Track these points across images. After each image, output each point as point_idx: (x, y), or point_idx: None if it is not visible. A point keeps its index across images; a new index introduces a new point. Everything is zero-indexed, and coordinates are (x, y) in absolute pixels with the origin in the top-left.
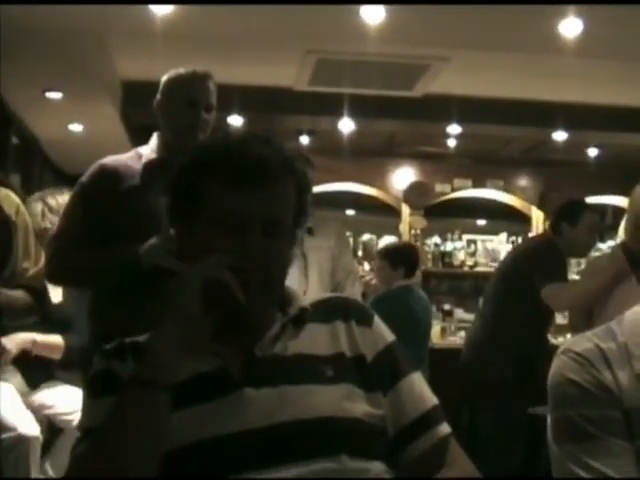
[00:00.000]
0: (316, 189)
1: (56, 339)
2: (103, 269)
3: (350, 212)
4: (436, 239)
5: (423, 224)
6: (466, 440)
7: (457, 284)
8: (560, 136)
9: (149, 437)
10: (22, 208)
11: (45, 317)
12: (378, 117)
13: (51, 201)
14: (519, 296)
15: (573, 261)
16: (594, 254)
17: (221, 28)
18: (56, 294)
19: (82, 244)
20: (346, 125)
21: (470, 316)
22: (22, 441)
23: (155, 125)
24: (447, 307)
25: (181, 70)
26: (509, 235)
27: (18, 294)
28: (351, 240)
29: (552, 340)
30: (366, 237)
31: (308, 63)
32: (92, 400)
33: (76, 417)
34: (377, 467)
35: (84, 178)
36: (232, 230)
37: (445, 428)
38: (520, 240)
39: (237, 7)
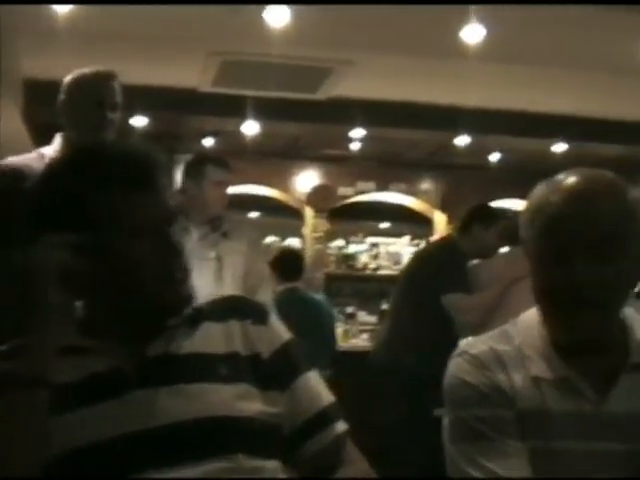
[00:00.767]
0: None
1: None
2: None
3: (254, 214)
4: (339, 242)
5: (326, 227)
6: (371, 441)
7: (360, 287)
8: (463, 140)
9: (24, 435)
10: None
11: None
12: (282, 119)
13: None
14: (425, 298)
15: None
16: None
17: (126, 28)
18: None
19: None
20: (250, 127)
21: (373, 318)
22: None
23: (58, 125)
24: (350, 310)
25: (85, 70)
26: (412, 238)
27: None
28: None
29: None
30: (270, 239)
31: (212, 64)
32: None
33: None
34: (273, 466)
35: None
36: (142, 233)
37: (341, 426)
38: (423, 243)
39: (142, 7)
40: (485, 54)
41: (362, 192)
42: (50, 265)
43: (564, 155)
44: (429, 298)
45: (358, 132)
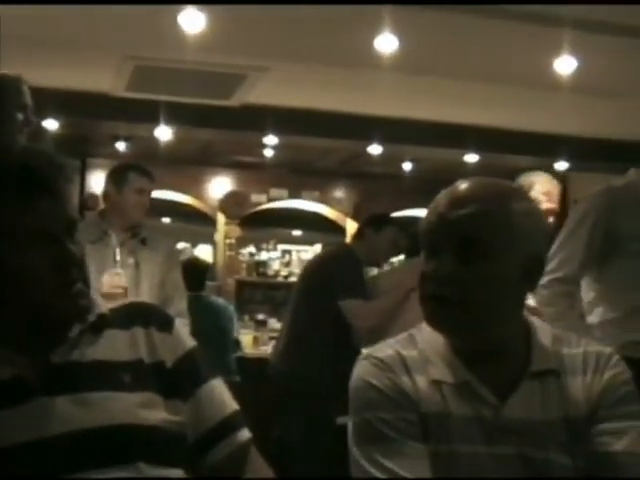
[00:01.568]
0: None
1: None
2: None
3: (166, 220)
4: (251, 249)
5: (238, 233)
6: (276, 448)
7: (271, 294)
8: (375, 149)
9: None
10: None
11: None
12: (195, 125)
13: None
14: (321, 304)
15: None
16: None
17: (36, 30)
18: None
19: None
20: (163, 132)
21: None
22: None
23: None
24: (261, 317)
25: None
26: (324, 246)
27: None
28: None
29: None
30: (181, 246)
31: (126, 69)
32: None
33: None
34: (176, 474)
35: None
36: (38, 243)
37: (245, 434)
38: None
39: (53, 8)
40: (397, 65)
41: (275, 199)
42: None
43: (476, 165)
44: (326, 304)
45: (271, 139)
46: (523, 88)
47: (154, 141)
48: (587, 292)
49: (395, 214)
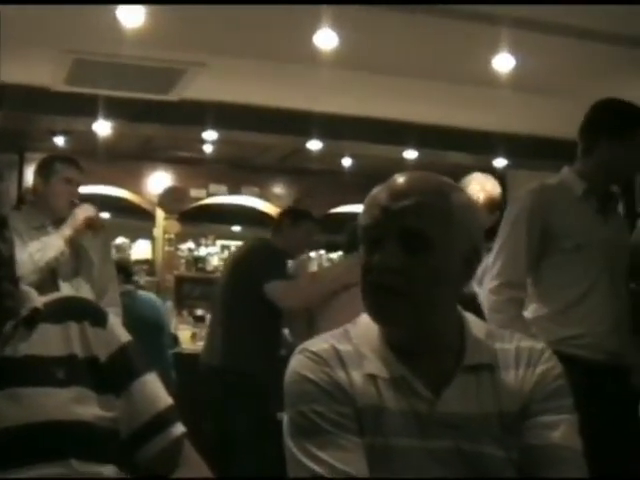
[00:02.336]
0: None
1: None
2: None
3: (104, 215)
4: (190, 244)
5: (177, 229)
6: (214, 442)
7: (210, 290)
8: (315, 145)
9: None
10: None
11: None
12: (134, 120)
13: None
14: (250, 295)
15: None
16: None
17: None
18: None
19: None
20: (102, 127)
21: None
22: None
23: None
24: (199, 312)
25: None
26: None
27: None
28: None
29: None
30: (120, 241)
31: (64, 63)
32: None
33: None
34: (109, 470)
35: None
36: None
37: (179, 428)
38: None
39: None
40: (336, 61)
41: (214, 195)
42: None
43: (415, 162)
44: (252, 293)
45: (210, 134)
46: (462, 85)
47: (93, 135)
48: None
49: (335, 210)
